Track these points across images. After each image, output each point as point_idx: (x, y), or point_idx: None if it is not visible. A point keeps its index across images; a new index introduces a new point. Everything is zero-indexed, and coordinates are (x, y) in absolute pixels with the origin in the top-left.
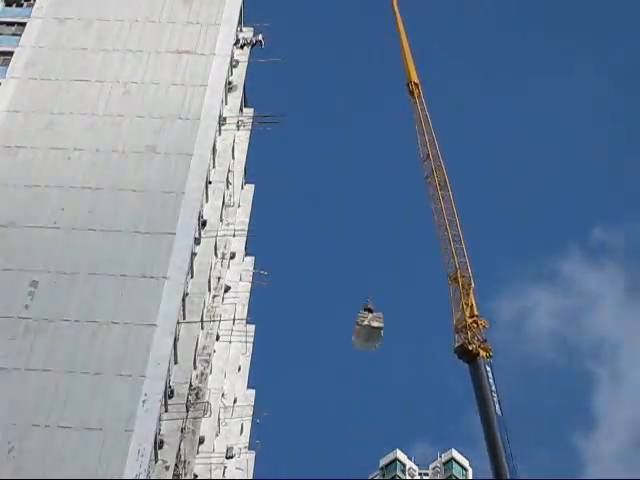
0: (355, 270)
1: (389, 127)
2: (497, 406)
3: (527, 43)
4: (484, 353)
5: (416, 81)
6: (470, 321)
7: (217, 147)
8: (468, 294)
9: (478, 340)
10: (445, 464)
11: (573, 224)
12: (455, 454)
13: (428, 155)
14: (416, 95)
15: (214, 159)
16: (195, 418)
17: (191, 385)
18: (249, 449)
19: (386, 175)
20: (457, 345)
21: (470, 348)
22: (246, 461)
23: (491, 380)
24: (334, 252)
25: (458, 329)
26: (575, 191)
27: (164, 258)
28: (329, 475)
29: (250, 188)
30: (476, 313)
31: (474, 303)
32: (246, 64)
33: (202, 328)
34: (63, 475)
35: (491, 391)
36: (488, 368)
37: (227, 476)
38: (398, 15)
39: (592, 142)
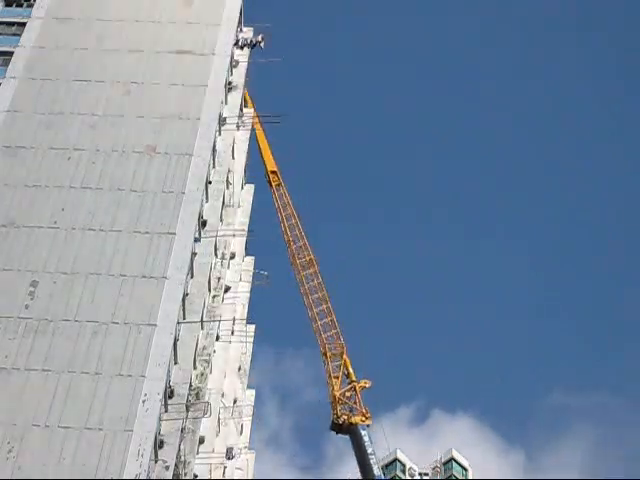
0: (355, 269)
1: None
2: (376, 467)
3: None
4: (359, 419)
5: (274, 169)
6: (338, 394)
7: (217, 147)
8: (340, 366)
9: (349, 409)
10: (445, 464)
11: None
12: (455, 454)
13: (289, 242)
14: (275, 184)
15: (214, 159)
16: (195, 418)
17: (191, 385)
18: (249, 449)
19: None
20: (330, 424)
21: (340, 422)
22: (246, 461)
23: (368, 443)
24: (332, 252)
25: (332, 406)
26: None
27: (164, 258)
28: (329, 475)
29: (250, 188)
30: (354, 379)
31: (350, 370)
32: (246, 64)
33: (202, 328)
34: (63, 475)
35: (369, 454)
36: (364, 432)
37: (227, 476)
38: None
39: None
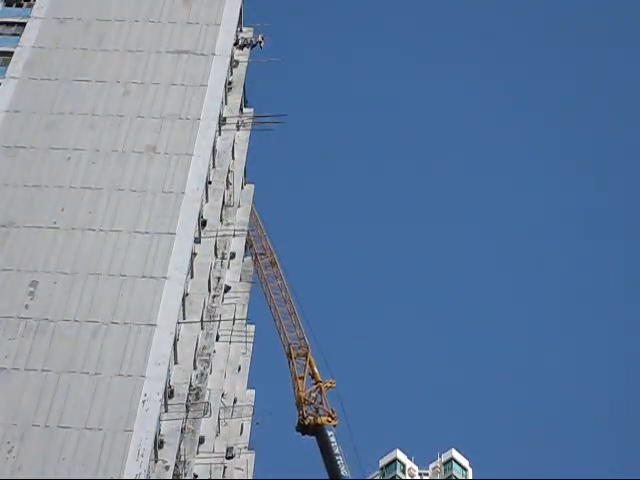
0: (354, 268)
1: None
2: (343, 467)
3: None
4: (324, 420)
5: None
6: (304, 395)
7: (217, 147)
8: (305, 365)
9: (315, 410)
10: (445, 464)
11: None
12: (455, 454)
13: (251, 241)
14: None
15: (214, 159)
16: (195, 418)
17: (191, 385)
18: (249, 449)
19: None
20: (295, 425)
21: (306, 423)
22: (246, 461)
23: (335, 444)
24: (333, 251)
25: (298, 407)
26: None
27: (164, 258)
28: (319, 477)
29: (250, 188)
30: (319, 379)
31: (315, 370)
32: (246, 64)
33: (202, 328)
34: (63, 475)
35: (336, 455)
36: (331, 433)
37: (227, 476)
38: None
39: None
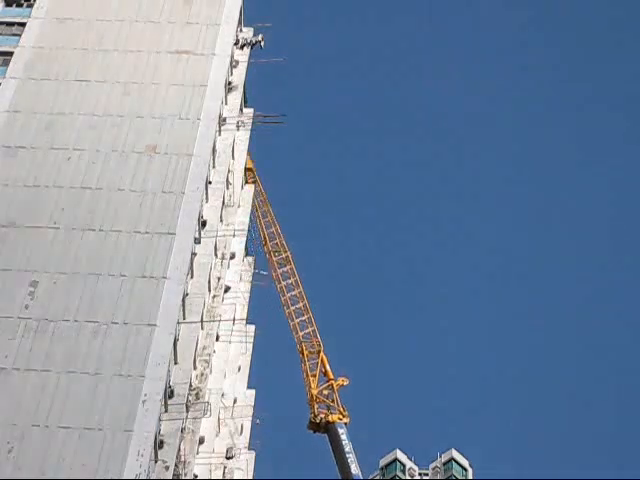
0: (354, 267)
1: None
2: (354, 466)
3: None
4: (336, 417)
5: (249, 166)
6: (316, 392)
7: (217, 147)
8: (317, 363)
9: (327, 408)
10: (445, 464)
11: None
12: (455, 454)
13: (265, 239)
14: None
15: (214, 159)
16: (195, 418)
17: (191, 385)
18: (249, 449)
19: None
20: (307, 423)
21: (317, 421)
22: (246, 461)
23: (346, 442)
24: (333, 251)
25: (309, 405)
26: None
27: (164, 258)
28: (329, 475)
29: (250, 188)
30: (331, 377)
31: (327, 368)
32: (246, 64)
33: (202, 328)
34: (63, 475)
35: (347, 453)
36: (342, 431)
37: (227, 476)
38: None
39: None
